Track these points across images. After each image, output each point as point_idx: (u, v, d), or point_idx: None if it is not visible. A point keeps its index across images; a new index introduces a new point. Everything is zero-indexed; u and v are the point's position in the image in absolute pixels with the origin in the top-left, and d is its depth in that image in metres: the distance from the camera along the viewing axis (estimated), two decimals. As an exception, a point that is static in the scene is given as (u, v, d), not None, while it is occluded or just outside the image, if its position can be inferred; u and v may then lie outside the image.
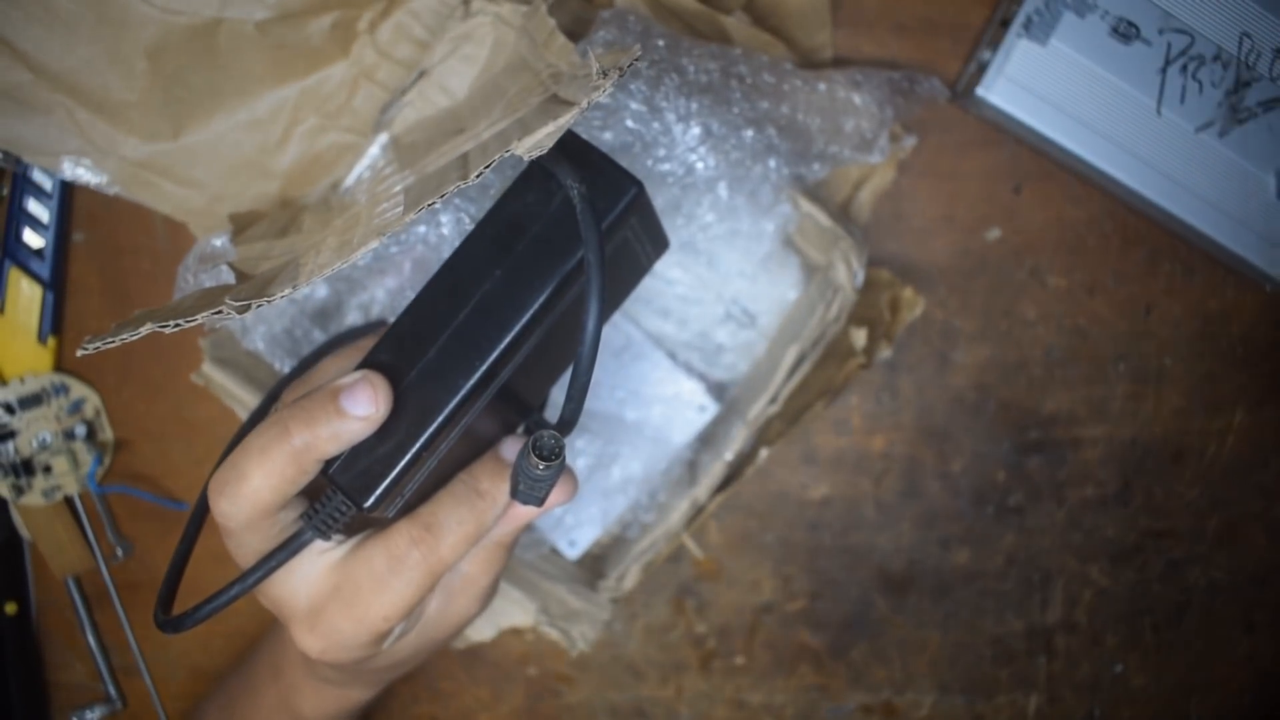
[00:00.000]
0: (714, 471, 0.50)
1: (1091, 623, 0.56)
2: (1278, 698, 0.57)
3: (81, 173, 0.46)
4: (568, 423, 0.33)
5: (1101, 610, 0.56)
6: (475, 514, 0.34)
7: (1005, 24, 0.47)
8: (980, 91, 0.47)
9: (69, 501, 0.52)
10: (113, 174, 0.46)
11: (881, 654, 0.56)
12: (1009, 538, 0.55)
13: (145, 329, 0.30)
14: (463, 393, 0.31)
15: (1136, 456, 0.55)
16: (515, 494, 0.35)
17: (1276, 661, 0.57)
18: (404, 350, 0.32)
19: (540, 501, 0.35)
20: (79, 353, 0.30)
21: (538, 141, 0.30)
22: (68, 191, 0.51)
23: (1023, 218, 0.53)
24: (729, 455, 0.50)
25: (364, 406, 0.30)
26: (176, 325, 0.30)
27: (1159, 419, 0.54)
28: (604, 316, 0.31)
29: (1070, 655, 0.56)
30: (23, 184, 0.50)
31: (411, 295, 0.45)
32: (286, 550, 0.33)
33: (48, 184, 0.50)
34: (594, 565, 0.55)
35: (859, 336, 0.48)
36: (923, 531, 0.55)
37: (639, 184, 0.34)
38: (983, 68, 0.48)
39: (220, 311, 0.30)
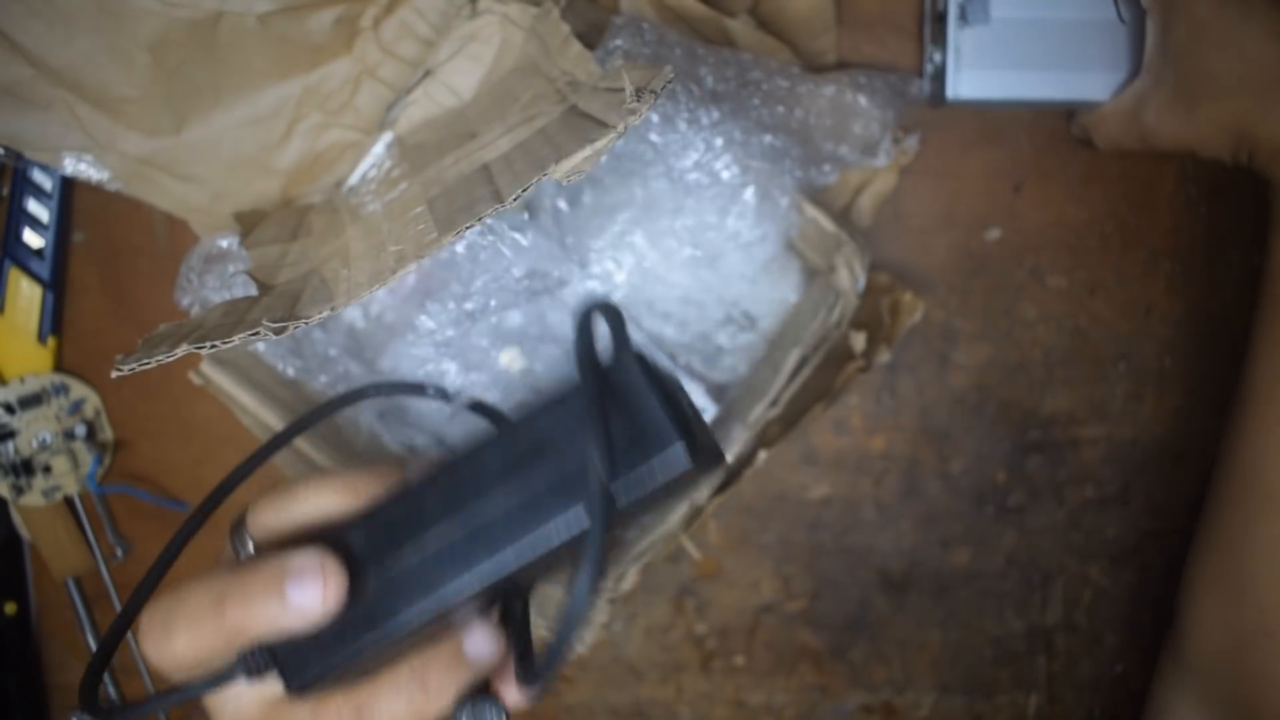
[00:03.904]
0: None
1: (1091, 623, 0.56)
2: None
3: (83, 168, 0.46)
4: (536, 678, 0.29)
5: (1101, 610, 0.56)
6: (414, 709, 0.31)
7: (941, 19, 0.47)
8: (950, 94, 0.47)
9: (69, 501, 0.52)
10: (114, 170, 0.46)
11: (881, 654, 0.56)
12: (1009, 538, 0.55)
13: (181, 350, 0.30)
14: (427, 616, 0.29)
15: (1136, 456, 0.55)
16: None
17: (1275, 661, 0.57)
18: (379, 543, 0.29)
19: None
20: (113, 374, 0.30)
21: (575, 165, 0.29)
22: (68, 191, 0.51)
23: (1023, 217, 0.53)
24: (728, 458, 0.50)
25: (310, 599, 0.28)
26: (213, 346, 0.30)
27: (1159, 419, 0.54)
28: (596, 597, 0.28)
29: (1070, 655, 0.56)
30: (23, 184, 0.49)
31: (422, 294, 0.45)
32: (208, 684, 0.30)
33: (48, 184, 0.50)
34: (593, 566, 0.54)
35: (858, 340, 0.48)
36: (923, 532, 0.55)
37: (697, 457, 0.26)
38: (940, 70, 0.48)
39: (257, 333, 0.30)
